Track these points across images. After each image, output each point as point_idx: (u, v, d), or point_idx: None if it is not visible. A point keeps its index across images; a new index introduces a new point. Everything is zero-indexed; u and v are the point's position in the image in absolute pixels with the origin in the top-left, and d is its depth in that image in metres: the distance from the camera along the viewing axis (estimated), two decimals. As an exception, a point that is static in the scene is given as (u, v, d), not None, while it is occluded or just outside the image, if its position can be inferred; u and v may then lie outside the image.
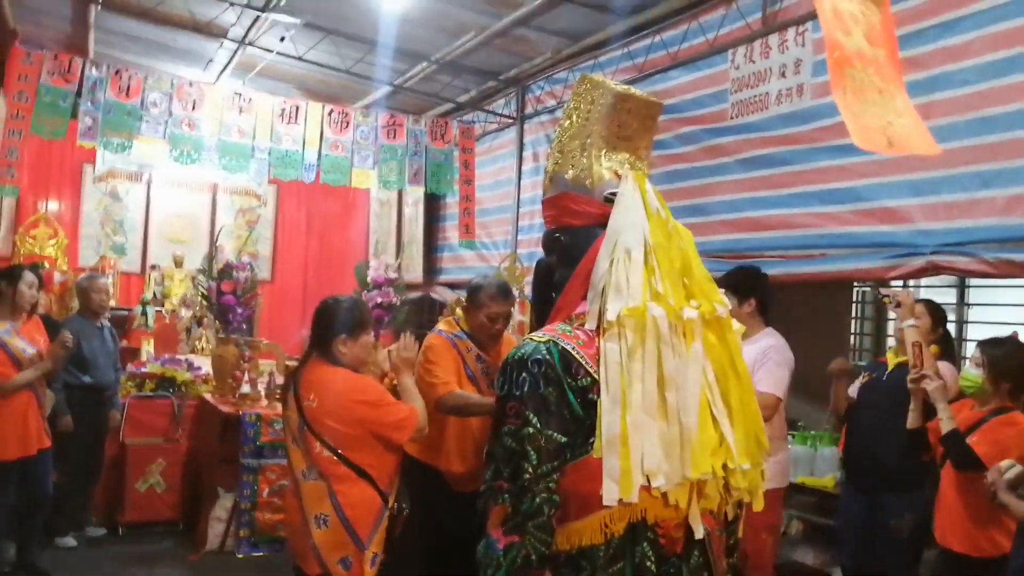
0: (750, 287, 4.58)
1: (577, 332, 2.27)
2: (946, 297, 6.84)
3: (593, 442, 2.18)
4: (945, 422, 3.91)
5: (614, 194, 2.38)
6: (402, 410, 3.77)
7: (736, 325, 2.44)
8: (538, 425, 2.16)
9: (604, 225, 2.35)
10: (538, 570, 2.14)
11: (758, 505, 2.38)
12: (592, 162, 2.40)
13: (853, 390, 4.91)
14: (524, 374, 2.19)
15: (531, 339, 2.27)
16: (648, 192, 2.39)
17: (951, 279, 6.50)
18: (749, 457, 2.32)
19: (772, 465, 4.27)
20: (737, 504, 2.37)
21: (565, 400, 2.19)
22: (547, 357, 2.19)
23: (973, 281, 6.46)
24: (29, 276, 5.58)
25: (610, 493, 2.16)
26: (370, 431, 3.65)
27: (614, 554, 2.17)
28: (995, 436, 3.83)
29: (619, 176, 2.41)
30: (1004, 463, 3.31)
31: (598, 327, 2.26)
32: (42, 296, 6.54)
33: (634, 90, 2.47)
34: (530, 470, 2.14)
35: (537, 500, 2.12)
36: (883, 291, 4.67)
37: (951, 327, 6.80)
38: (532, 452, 2.15)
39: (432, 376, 4.38)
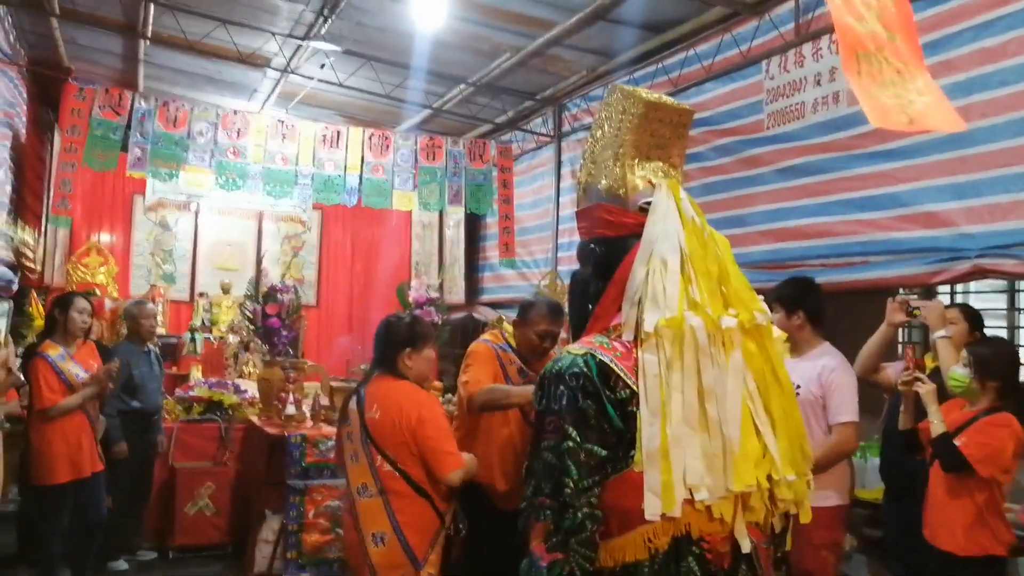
0: (798, 299, 4.38)
1: (615, 344, 2.25)
2: (996, 303, 6.74)
3: (634, 455, 2.16)
4: (936, 424, 3.92)
5: (648, 203, 2.36)
6: (453, 443, 3.80)
7: (777, 332, 2.41)
8: (577, 439, 2.13)
9: (639, 235, 2.33)
10: None
11: (805, 517, 2.35)
12: (625, 172, 2.39)
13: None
14: (562, 387, 2.17)
15: (568, 352, 2.25)
16: (683, 200, 2.37)
17: (1001, 284, 6.40)
18: (794, 467, 2.28)
19: (835, 482, 4.23)
20: (784, 516, 2.32)
21: (604, 413, 2.16)
22: (585, 370, 2.17)
23: (1023, 285, 6.35)
24: (81, 303, 5.71)
25: (652, 508, 2.13)
26: (420, 450, 3.67)
27: (659, 570, 2.14)
28: (983, 438, 3.82)
29: (653, 185, 2.39)
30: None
31: (636, 338, 2.24)
32: (94, 323, 6.66)
33: (665, 98, 2.46)
34: (571, 485, 2.11)
35: (579, 516, 2.09)
36: (913, 303, 4.58)
37: (1002, 332, 6.74)
38: (572, 467, 2.12)
39: (466, 375, 4.42)
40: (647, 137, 2.42)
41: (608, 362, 2.20)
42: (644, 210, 2.36)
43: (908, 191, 5.29)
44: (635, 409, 2.17)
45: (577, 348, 2.25)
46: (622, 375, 2.19)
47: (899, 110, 2.87)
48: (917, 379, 4.02)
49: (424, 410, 3.75)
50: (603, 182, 2.41)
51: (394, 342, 3.88)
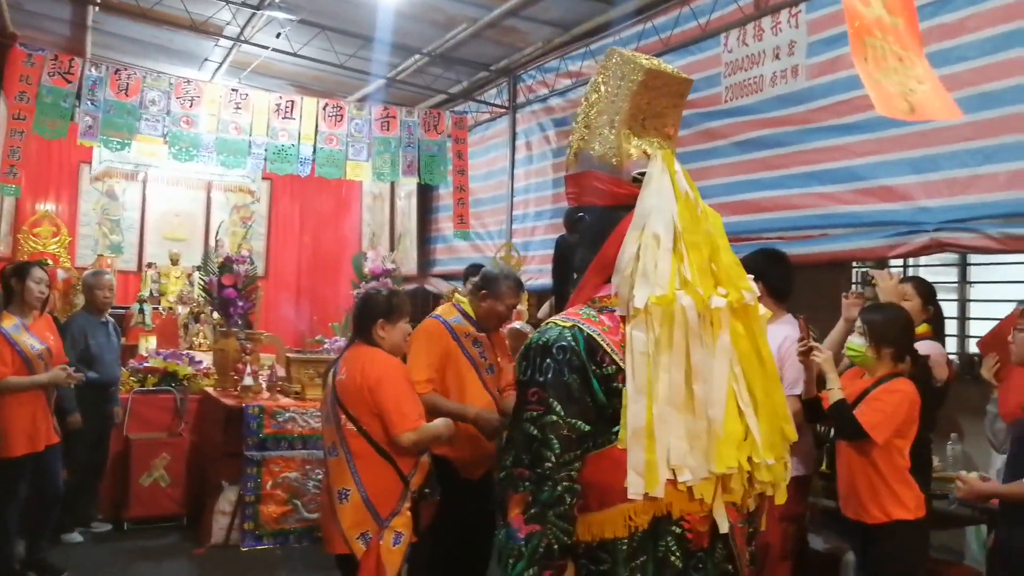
0: (758, 270, 4.38)
1: (601, 317, 2.21)
2: (947, 276, 6.87)
3: (617, 431, 2.14)
4: (833, 392, 3.89)
5: (642, 174, 2.30)
6: (411, 406, 3.88)
7: (763, 310, 2.38)
8: (561, 413, 2.10)
9: (629, 206, 2.28)
10: (560, 560, 2.08)
11: (780, 499, 2.34)
12: (620, 140, 2.32)
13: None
14: (548, 360, 2.13)
15: (554, 323, 2.21)
16: (677, 173, 2.31)
17: (952, 258, 6.53)
18: (773, 451, 2.27)
19: (797, 452, 4.28)
20: (759, 496, 2.32)
21: (589, 388, 2.14)
22: (572, 343, 2.14)
23: (973, 259, 6.49)
24: (38, 273, 5.57)
25: (635, 486, 2.12)
26: (376, 407, 3.79)
27: (637, 548, 2.13)
28: (877, 404, 3.83)
29: (647, 155, 2.33)
30: (963, 474, 3.37)
31: (625, 313, 2.21)
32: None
33: (665, 65, 2.39)
34: (552, 458, 2.08)
35: (559, 489, 2.07)
36: (872, 273, 4.64)
37: (954, 306, 6.88)
38: (554, 440, 2.09)
39: (414, 373, 4.41)
40: (644, 105, 2.35)
41: (596, 336, 2.16)
42: (637, 181, 2.30)
43: (866, 165, 5.35)
44: (620, 385, 2.15)
45: (563, 320, 2.21)
46: (608, 350, 2.16)
47: (901, 98, 2.91)
48: (812, 348, 3.97)
49: (385, 371, 3.88)
50: (596, 148, 2.34)
51: (370, 313, 4.04)
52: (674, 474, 2.14)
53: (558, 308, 2.57)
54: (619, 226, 2.29)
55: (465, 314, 4.75)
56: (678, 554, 2.15)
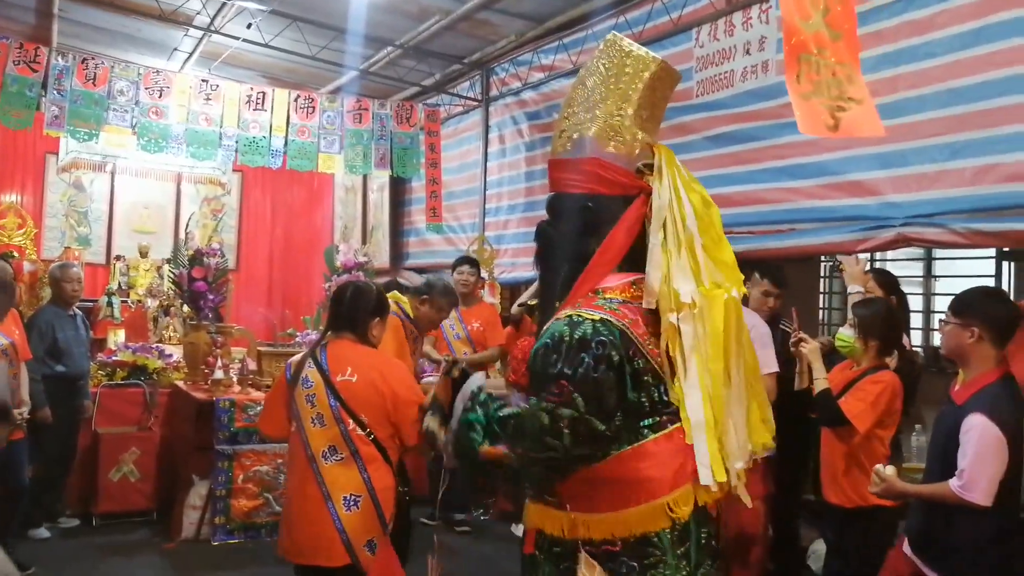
0: None
1: (623, 310, 2.23)
2: (914, 270, 6.95)
3: (649, 424, 2.20)
4: (819, 382, 4.08)
5: (648, 165, 2.33)
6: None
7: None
8: (582, 409, 2.11)
9: (631, 196, 2.31)
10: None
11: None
12: (628, 131, 2.34)
13: None
14: (584, 355, 2.14)
15: (583, 316, 2.20)
16: (681, 168, 2.36)
17: (918, 252, 6.60)
18: (760, 437, 2.39)
19: None
20: None
21: (622, 384, 2.17)
22: (610, 338, 2.15)
23: (939, 253, 6.56)
24: (28, 266, 5.49)
25: (706, 477, 2.19)
26: (396, 417, 3.65)
27: (680, 536, 2.19)
28: (860, 394, 4.00)
29: (651, 148, 2.36)
30: (880, 468, 3.45)
31: (657, 306, 2.25)
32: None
33: (663, 60, 2.43)
34: (561, 451, 2.12)
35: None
36: (840, 258, 4.75)
37: (919, 299, 6.96)
38: (568, 434, 2.12)
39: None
40: (652, 98, 2.39)
41: (627, 330, 2.19)
42: (640, 172, 2.33)
43: (835, 160, 5.39)
44: (649, 379, 2.20)
45: (590, 313, 2.21)
46: (638, 344, 2.19)
47: (828, 114, 2.98)
48: (801, 340, 4.18)
49: (406, 379, 3.76)
50: (601, 136, 2.34)
51: (367, 309, 3.82)
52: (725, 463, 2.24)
53: (542, 296, 2.56)
54: (625, 216, 2.31)
55: (405, 313, 4.98)
56: (714, 537, 2.27)
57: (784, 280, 5.13)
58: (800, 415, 4.47)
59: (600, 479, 2.23)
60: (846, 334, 4.19)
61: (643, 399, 2.20)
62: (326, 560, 3.58)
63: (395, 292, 5.25)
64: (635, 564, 2.18)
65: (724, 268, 2.35)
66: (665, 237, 2.28)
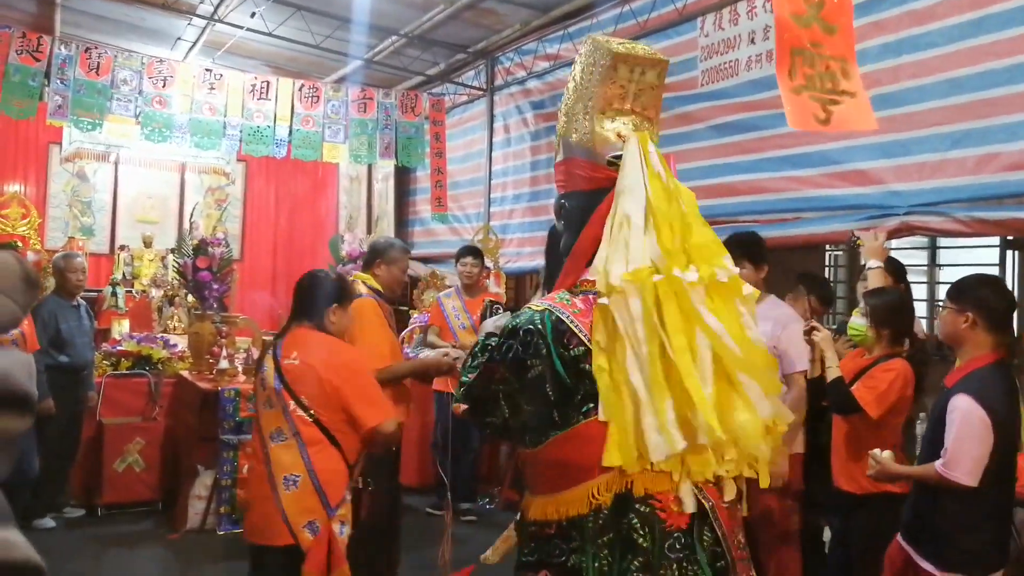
0: (763, 252, 4.56)
1: (575, 300, 2.30)
2: (918, 259, 6.94)
3: (586, 411, 2.23)
4: (831, 370, 4.07)
5: (618, 157, 2.35)
6: (381, 394, 3.82)
7: (748, 289, 2.40)
8: (516, 387, 2.29)
9: (607, 189, 2.33)
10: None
11: (764, 482, 2.37)
12: (594, 125, 2.37)
13: None
14: (512, 342, 2.27)
15: (530, 308, 2.32)
16: (651, 154, 2.34)
17: (922, 241, 6.59)
18: (757, 433, 2.30)
19: (795, 429, 4.35)
20: (741, 477, 2.36)
21: (552, 370, 2.23)
22: (540, 327, 2.25)
23: (943, 242, 6.56)
24: (32, 256, 5.54)
25: (612, 459, 2.19)
26: (341, 400, 3.68)
27: (603, 525, 2.19)
28: (873, 382, 4.01)
29: (622, 138, 2.37)
30: (876, 452, 3.53)
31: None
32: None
33: (638, 47, 2.42)
34: (500, 418, 2.36)
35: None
36: (856, 231, 4.73)
37: (924, 288, 6.95)
38: (505, 406, 2.34)
39: (379, 348, 4.57)
40: (616, 89, 2.39)
41: (565, 319, 2.25)
42: (613, 164, 2.35)
43: (839, 149, 5.39)
44: (588, 367, 2.22)
45: (538, 304, 2.31)
46: (578, 332, 2.23)
47: (820, 108, 2.99)
48: (813, 328, 4.17)
49: (351, 364, 3.78)
50: (574, 136, 2.39)
51: (324, 296, 3.87)
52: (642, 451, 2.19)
53: (544, 292, 2.61)
54: (597, 210, 2.35)
55: (374, 291, 4.87)
56: (643, 532, 2.19)
57: (832, 299, 5.06)
58: (813, 405, 4.48)
59: (542, 461, 2.33)
60: (858, 323, 4.22)
61: (580, 385, 2.23)
62: (272, 539, 3.65)
63: (356, 273, 5.25)
64: (564, 546, 2.25)
65: (697, 250, 2.32)
66: (614, 224, 2.32)
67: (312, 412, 3.65)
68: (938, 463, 3.23)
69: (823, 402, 4.34)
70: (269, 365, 3.78)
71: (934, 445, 3.32)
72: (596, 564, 2.19)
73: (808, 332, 4.21)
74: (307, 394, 3.66)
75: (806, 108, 3.06)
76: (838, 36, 3.19)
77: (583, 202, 2.39)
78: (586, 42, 2.45)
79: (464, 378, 2.44)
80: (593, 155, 2.37)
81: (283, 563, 3.61)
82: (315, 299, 3.86)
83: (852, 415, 4.03)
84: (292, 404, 3.66)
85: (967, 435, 3.17)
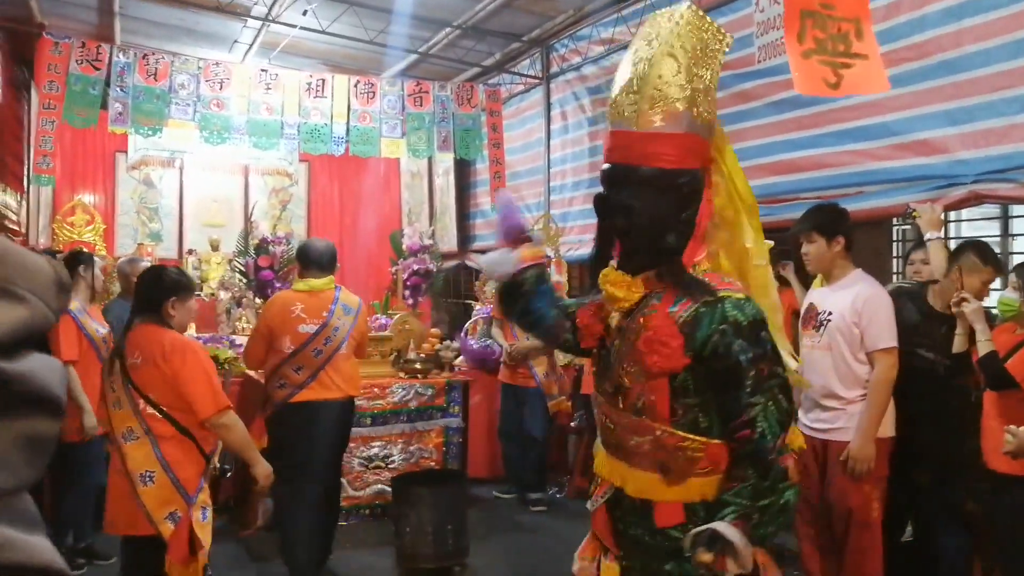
0: (836, 224, 4.37)
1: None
2: (989, 230, 6.71)
3: None
4: (983, 344, 3.91)
5: None
6: (218, 387, 3.89)
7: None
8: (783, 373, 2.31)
9: (704, 170, 2.36)
10: None
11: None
12: (712, 104, 2.36)
13: None
14: (764, 332, 2.25)
15: (743, 296, 2.28)
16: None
17: (994, 211, 6.37)
18: None
19: (880, 411, 4.21)
20: None
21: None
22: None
23: (1016, 211, 6.33)
24: (99, 262, 5.74)
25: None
26: (179, 386, 3.77)
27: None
28: None
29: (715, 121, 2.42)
30: (1011, 427, 3.42)
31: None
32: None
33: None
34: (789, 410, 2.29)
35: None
36: (913, 205, 4.57)
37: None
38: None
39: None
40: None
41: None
42: None
43: (900, 119, 5.24)
44: None
45: (740, 292, 2.30)
46: None
47: (831, 72, 2.94)
48: (963, 299, 4.00)
49: (186, 355, 3.82)
50: (702, 111, 2.31)
51: (162, 288, 3.93)
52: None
53: (592, 275, 2.52)
54: (706, 190, 2.37)
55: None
56: None
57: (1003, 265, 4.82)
58: (949, 384, 4.34)
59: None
60: (1010, 297, 4.00)
61: None
62: (134, 530, 3.81)
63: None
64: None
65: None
66: (735, 212, 2.41)
67: (164, 409, 3.77)
68: None
69: (963, 380, 4.21)
70: (116, 367, 3.87)
71: None
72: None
73: (957, 303, 4.05)
74: (155, 391, 3.77)
75: (815, 73, 2.99)
76: None
77: (699, 181, 2.33)
78: (696, 14, 2.32)
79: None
80: (710, 133, 2.35)
81: (147, 549, 3.78)
82: (154, 292, 3.94)
83: (1007, 391, 3.86)
84: (142, 403, 3.78)
85: None
